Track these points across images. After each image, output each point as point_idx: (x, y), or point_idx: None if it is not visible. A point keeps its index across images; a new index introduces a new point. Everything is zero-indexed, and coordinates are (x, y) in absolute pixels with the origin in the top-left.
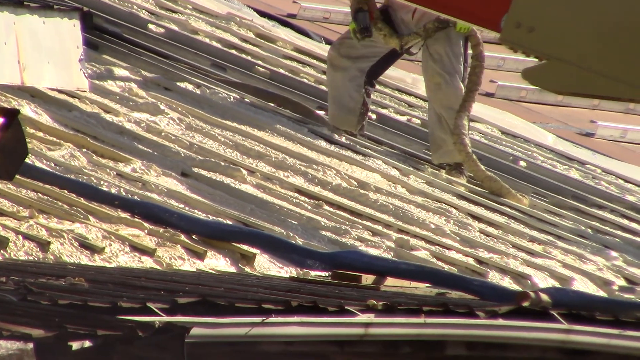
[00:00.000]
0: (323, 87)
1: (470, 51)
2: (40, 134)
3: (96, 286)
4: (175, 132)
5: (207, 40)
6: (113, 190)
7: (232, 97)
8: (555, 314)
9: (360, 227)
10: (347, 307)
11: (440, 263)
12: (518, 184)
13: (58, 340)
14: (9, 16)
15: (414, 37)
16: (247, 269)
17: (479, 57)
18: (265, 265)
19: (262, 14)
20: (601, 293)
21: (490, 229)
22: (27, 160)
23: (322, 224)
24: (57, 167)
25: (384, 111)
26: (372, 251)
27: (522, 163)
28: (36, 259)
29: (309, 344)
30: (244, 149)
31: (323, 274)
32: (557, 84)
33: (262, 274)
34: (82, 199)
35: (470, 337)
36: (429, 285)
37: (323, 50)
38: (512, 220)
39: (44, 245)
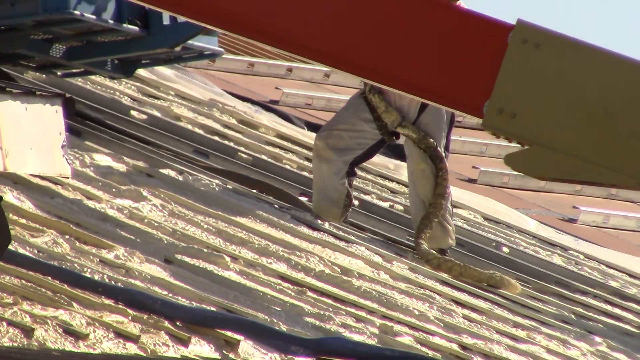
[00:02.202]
0: (305, 174)
1: (452, 137)
2: (23, 221)
3: None
4: (158, 219)
5: (189, 126)
6: (96, 277)
7: (214, 184)
8: None
9: (344, 313)
10: None
11: (424, 349)
12: (501, 270)
13: None
14: None
15: (410, 131)
16: (231, 355)
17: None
18: (250, 351)
19: (245, 99)
20: None
21: (474, 315)
22: (10, 247)
23: (306, 310)
24: (40, 254)
25: (366, 197)
26: (356, 337)
27: (505, 249)
28: (20, 345)
29: None
30: (227, 236)
31: None
32: (540, 170)
33: None
34: (65, 285)
35: None
36: None
37: (305, 136)
38: (496, 306)
39: (28, 332)
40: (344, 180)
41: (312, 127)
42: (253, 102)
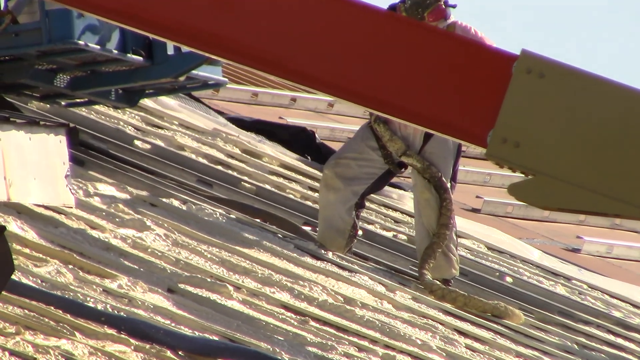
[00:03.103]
0: (309, 203)
1: (459, 166)
2: (27, 251)
3: None
4: (162, 249)
5: (193, 156)
6: (99, 307)
7: (218, 214)
8: None
9: (347, 343)
10: None
11: None
12: (504, 300)
13: None
14: None
15: (415, 160)
16: None
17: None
18: None
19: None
20: None
21: (476, 345)
22: (13, 276)
23: (309, 339)
24: (44, 284)
25: (370, 227)
26: None
27: (509, 279)
28: None
29: None
30: (230, 265)
31: None
32: (544, 200)
33: None
34: (68, 315)
35: None
36: None
37: (309, 166)
38: (499, 336)
39: None
40: (352, 210)
41: (314, 152)
42: (257, 131)
